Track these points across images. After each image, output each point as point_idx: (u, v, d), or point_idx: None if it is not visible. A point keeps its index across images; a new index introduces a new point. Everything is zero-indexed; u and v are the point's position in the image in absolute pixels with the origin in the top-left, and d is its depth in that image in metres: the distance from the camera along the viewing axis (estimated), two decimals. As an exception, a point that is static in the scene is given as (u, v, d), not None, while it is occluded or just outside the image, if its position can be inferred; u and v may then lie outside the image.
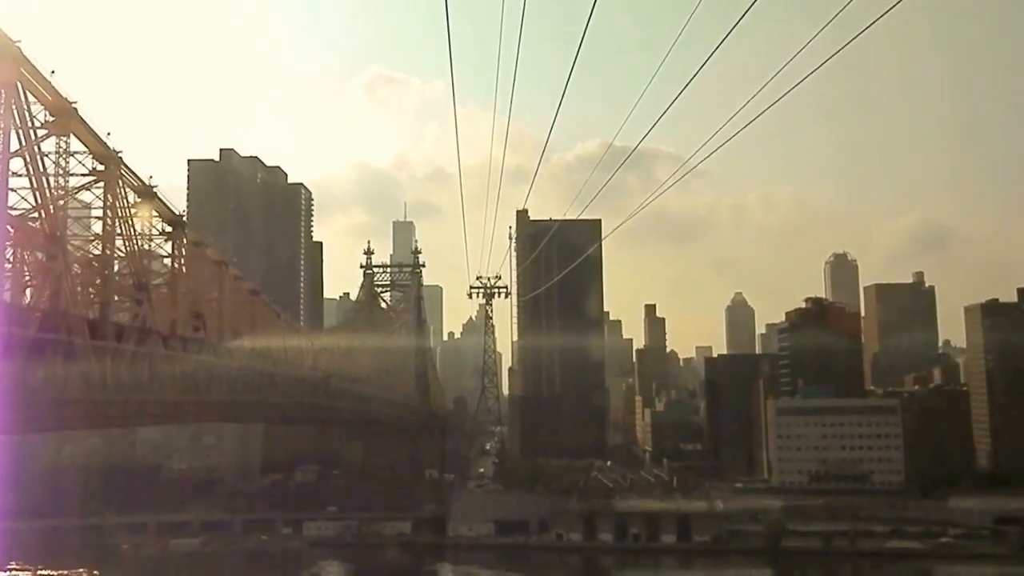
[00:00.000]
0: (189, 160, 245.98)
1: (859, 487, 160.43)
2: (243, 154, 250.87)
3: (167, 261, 59.84)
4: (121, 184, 48.94)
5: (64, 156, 45.04)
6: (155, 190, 52.42)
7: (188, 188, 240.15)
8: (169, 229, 56.15)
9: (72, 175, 46.42)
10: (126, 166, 49.27)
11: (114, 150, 47.93)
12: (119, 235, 49.11)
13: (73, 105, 44.52)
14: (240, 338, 68.91)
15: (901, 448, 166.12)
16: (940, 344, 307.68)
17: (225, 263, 68.19)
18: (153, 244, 55.75)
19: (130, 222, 50.10)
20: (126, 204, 49.58)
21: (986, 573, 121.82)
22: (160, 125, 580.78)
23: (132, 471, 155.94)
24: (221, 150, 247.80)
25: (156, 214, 54.31)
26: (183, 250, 57.73)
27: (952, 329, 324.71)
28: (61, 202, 45.15)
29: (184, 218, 57.33)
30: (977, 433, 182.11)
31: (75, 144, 46.54)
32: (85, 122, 46.01)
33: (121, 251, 49.75)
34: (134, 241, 50.25)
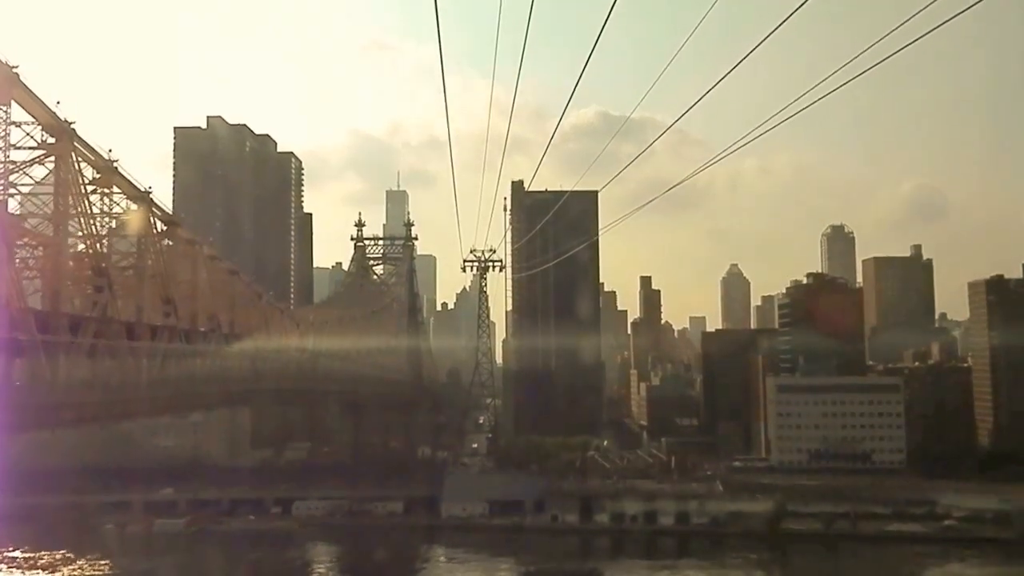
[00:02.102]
0: (175, 128, 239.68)
1: (860, 467, 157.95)
2: (231, 122, 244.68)
3: (134, 242, 55.10)
4: (75, 158, 44.25)
5: (5, 127, 40.32)
6: (116, 164, 47.74)
7: (174, 157, 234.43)
8: (133, 207, 51.47)
9: (18, 148, 41.84)
10: (80, 138, 44.49)
11: (66, 120, 43.20)
12: (74, 215, 44.46)
13: (14, 70, 39.78)
14: (217, 322, 64.53)
15: (903, 427, 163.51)
16: (936, 318, 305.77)
17: (198, 242, 63.45)
18: (115, 224, 50.95)
19: (86, 200, 45.48)
20: (81, 180, 44.97)
21: (991, 557, 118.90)
22: (147, 93, 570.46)
23: (116, 448, 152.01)
24: (208, 118, 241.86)
25: (119, 190, 49.61)
26: (150, 229, 53.07)
27: (947, 302, 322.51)
28: (2, 180, 40.44)
29: (151, 194, 52.57)
30: (979, 411, 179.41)
31: (23, 115, 41.89)
32: (30, 90, 41.23)
33: (77, 233, 45.14)
34: (91, 221, 45.60)
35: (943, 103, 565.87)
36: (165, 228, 57.41)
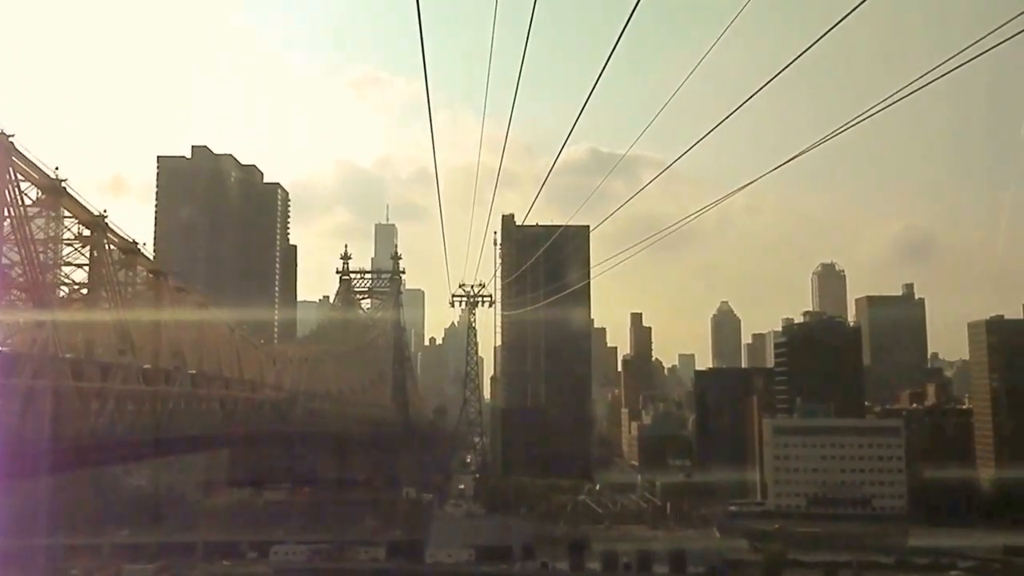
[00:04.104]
0: (159, 157, 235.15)
1: (860, 512, 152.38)
2: (217, 151, 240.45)
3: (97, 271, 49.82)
4: (13, 175, 39.38)
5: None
6: (64, 184, 42.84)
7: (157, 186, 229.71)
8: (87, 232, 46.45)
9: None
10: (19, 152, 39.61)
11: (2, 132, 38.34)
12: (14, 240, 39.44)
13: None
14: (183, 360, 59.23)
15: (904, 471, 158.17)
16: (929, 357, 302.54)
17: (163, 273, 58.33)
18: (67, 251, 45.87)
19: (26, 224, 40.48)
20: (20, 202, 40.02)
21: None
22: (134, 120, 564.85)
23: (85, 487, 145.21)
24: (193, 147, 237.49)
25: (68, 213, 44.68)
26: (104, 257, 47.98)
27: (938, 342, 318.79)
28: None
29: (106, 218, 47.61)
30: (980, 454, 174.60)
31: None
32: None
33: (11, 260, 40.05)
34: (32, 247, 40.50)
35: (932, 143, 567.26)
36: (123, 256, 52.29)
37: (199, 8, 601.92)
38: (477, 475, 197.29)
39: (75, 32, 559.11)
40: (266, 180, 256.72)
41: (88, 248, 47.19)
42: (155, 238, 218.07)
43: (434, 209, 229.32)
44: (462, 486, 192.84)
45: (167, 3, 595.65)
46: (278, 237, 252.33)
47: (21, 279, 40.67)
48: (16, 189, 39.81)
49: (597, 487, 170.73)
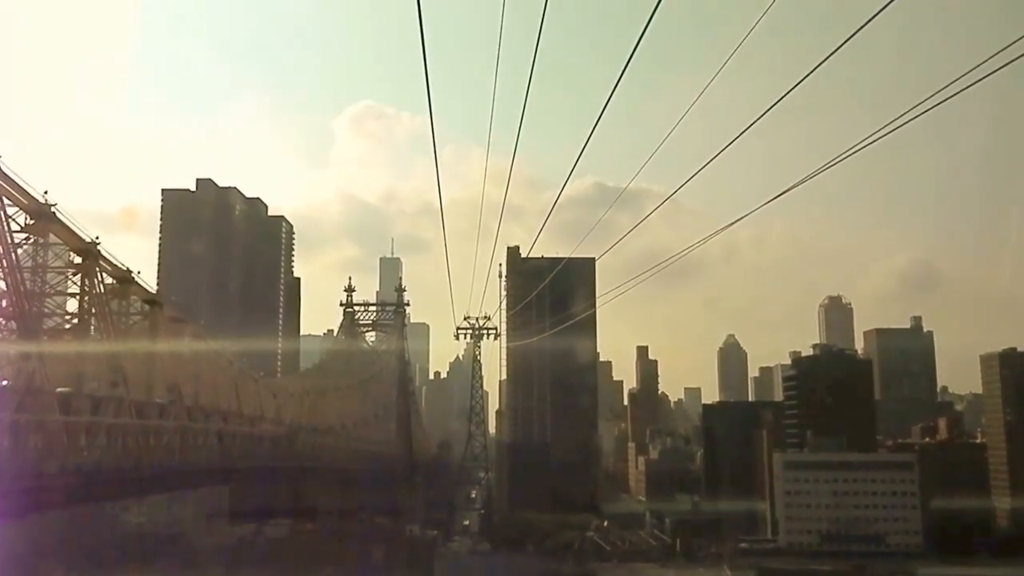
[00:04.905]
0: (163, 189, 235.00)
1: (874, 549, 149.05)
2: (221, 184, 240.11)
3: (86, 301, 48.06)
4: (-1, 199, 37.91)
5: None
6: (54, 209, 41.31)
7: (162, 219, 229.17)
8: (78, 260, 44.82)
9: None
10: (6, 175, 38.12)
11: (-11, 156, 36.89)
12: (-1, 268, 37.82)
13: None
14: (178, 393, 57.36)
15: (919, 507, 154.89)
16: (938, 391, 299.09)
17: (158, 302, 56.61)
18: (57, 280, 44.16)
19: (12, 251, 38.88)
20: (7, 227, 38.44)
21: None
22: (138, 154, 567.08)
23: (82, 525, 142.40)
24: (198, 180, 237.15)
25: (59, 240, 43.16)
26: (95, 286, 46.31)
27: (947, 375, 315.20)
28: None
29: (98, 246, 45.97)
30: (995, 489, 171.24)
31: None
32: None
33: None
34: (19, 275, 38.86)
35: (938, 174, 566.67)
36: (117, 285, 50.64)
37: (204, 44, 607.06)
38: (482, 511, 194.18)
39: (81, 70, 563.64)
40: (271, 213, 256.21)
41: (79, 276, 45.74)
42: (159, 270, 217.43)
43: (439, 242, 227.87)
44: (467, 522, 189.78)
45: (169, 39, 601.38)
46: (282, 270, 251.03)
47: (9, 309, 39.14)
48: (2, 214, 38.40)
49: (605, 523, 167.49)
